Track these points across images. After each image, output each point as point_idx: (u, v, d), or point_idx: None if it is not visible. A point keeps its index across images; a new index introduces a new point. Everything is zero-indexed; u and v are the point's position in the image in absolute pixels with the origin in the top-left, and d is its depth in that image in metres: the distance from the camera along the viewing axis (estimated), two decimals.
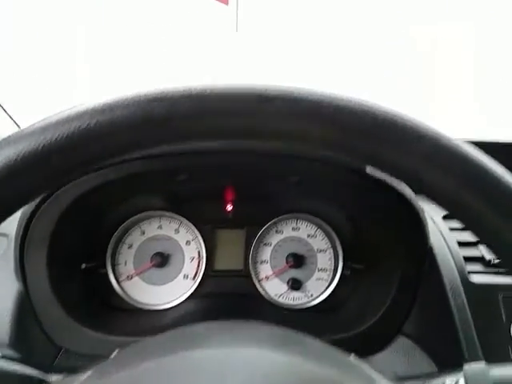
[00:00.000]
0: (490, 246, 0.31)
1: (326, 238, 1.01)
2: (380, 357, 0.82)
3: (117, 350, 0.42)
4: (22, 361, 0.69)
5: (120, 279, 0.95)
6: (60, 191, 0.70)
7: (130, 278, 0.95)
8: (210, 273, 0.98)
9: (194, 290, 0.96)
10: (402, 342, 0.81)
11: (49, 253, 0.73)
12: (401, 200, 0.72)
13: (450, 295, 0.72)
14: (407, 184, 0.35)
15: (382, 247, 0.82)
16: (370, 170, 0.69)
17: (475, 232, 0.31)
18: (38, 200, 0.70)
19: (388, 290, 0.81)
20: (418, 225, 0.75)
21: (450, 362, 0.71)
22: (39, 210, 0.71)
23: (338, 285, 0.97)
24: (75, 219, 0.76)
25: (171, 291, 0.96)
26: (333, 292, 0.97)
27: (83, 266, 0.83)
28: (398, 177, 0.31)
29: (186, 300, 0.95)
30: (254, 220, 0.99)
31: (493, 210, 0.28)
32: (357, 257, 0.93)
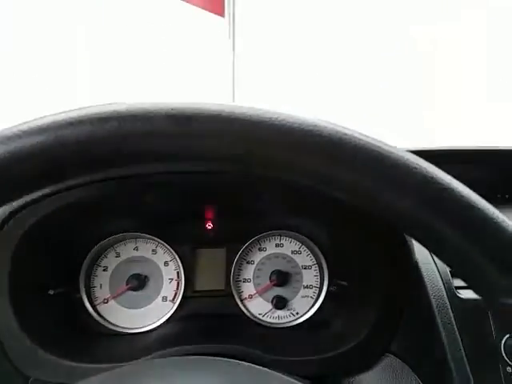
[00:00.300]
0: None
1: (310, 255, 0.97)
2: (367, 376, 0.78)
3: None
4: None
5: (95, 303, 0.90)
6: (21, 213, 0.66)
7: (105, 301, 0.91)
8: (190, 294, 0.94)
9: (174, 312, 0.91)
10: (389, 361, 0.78)
11: (11, 279, 0.68)
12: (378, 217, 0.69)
13: (436, 312, 0.69)
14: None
15: (365, 264, 0.79)
16: None
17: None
18: None
19: (373, 308, 0.77)
20: (401, 240, 0.72)
21: (439, 382, 0.67)
22: None
23: (323, 302, 0.94)
24: (40, 241, 0.72)
25: (149, 314, 0.91)
26: (319, 309, 0.93)
27: (51, 292, 0.78)
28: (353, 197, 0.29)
29: (165, 323, 0.91)
30: (235, 238, 0.95)
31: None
32: (342, 273, 0.90)
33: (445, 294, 0.71)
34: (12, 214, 0.66)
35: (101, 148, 0.24)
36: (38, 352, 0.71)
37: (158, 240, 0.92)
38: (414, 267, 0.75)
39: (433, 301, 0.70)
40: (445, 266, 0.75)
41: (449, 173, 0.28)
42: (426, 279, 0.73)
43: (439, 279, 0.72)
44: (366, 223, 0.74)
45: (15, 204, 0.65)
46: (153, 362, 0.43)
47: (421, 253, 0.77)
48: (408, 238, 0.73)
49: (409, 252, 0.73)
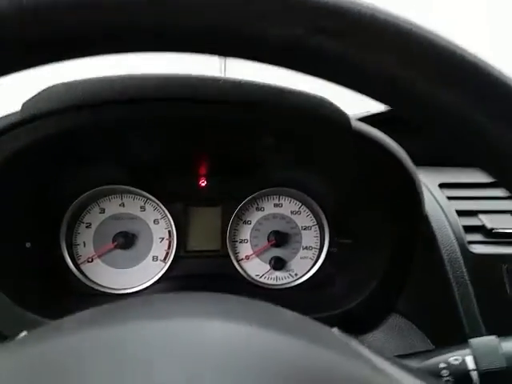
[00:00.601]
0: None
1: (310, 215, 0.92)
2: (372, 336, 0.75)
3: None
4: None
5: (78, 262, 0.83)
6: None
7: (90, 260, 0.83)
8: (183, 254, 0.88)
9: (165, 272, 0.85)
10: (395, 321, 0.74)
11: None
12: (393, 164, 0.63)
13: (448, 267, 0.65)
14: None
15: (372, 218, 0.74)
16: (356, 125, 0.59)
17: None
18: None
19: (379, 265, 0.73)
20: (412, 192, 0.66)
21: (450, 339, 0.64)
22: None
23: (323, 263, 0.89)
24: (10, 184, 0.63)
25: (139, 274, 0.85)
26: (318, 270, 0.89)
27: (28, 244, 0.70)
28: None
29: (155, 283, 0.84)
30: (231, 196, 0.89)
31: None
32: (344, 232, 0.85)
33: (457, 248, 0.67)
34: None
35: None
36: (16, 309, 0.64)
37: (147, 195, 0.84)
38: (423, 222, 0.70)
39: (444, 256, 0.66)
40: (457, 219, 0.71)
41: None
42: (436, 234, 0.68)
43: (451, 233, 0.68)
44: (375, 178, 0.68)
45: None
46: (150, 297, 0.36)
47: (431, 206, 0.72)
48: (419, 190, 0.67)
49: (418, 204, 0.68)
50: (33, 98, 0.53)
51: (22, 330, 0.63)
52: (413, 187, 0.65)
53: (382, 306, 0.75)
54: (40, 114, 0.52)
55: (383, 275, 0.72)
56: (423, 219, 0.70)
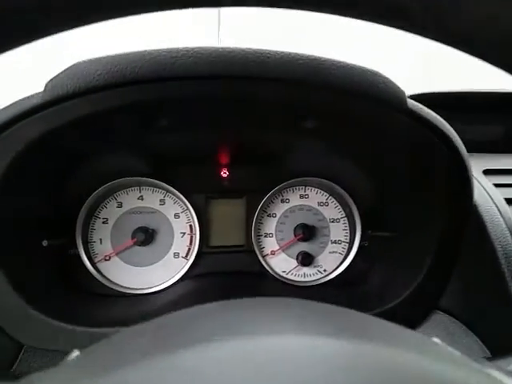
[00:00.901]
0: None
1: (339, 206, 0.86)
2: None
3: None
4: None
5: (95, 260, 0.77)
6: (10, 131, 0.50)
7: (107, 258, 0.78)
8: (206, 250, 0.82)
9: (187, 270, 0.80)
10: (438, 319, 0.69)
11: None
12: (447, 148, 0.57)
13: (503, 262, 0.59)
14: None
15: (415, 208, 0.68)
16: (411, 105, 0.54)
17: None
18: None
19: (422, 260, 0.67)
20: (463, 178, 0.60)
21: (504, 343, 0.59)
22: None
23: (355, 257, 0.83)
24: (26, 177, 0.57)
25: (159, 272, 0.79)
26: (350, 265, 0.83)
27: (45, 243, 0.65)
28: None
29: (177, 282, 0.79)
30: (255, 187, 0.83)
31: None
32: (380, 224, 0.79)
33: (510, 240, 0.61)
34: None
35: None
36: (34, 314, 0.58)
37: (168, 187, 0.78)
38: (472, 211, 0.64)
39: (498, 249, 0.61)
40: (508, 209, 0.65)
41: None
42: (487, 225, 0.63)
43: (503, 224, 0.63)
44: (424, 163, 0.62)
45: None
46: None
47: (479, 195, 0.66)
48: (470, 177, 0.61)
49: (469, 194, 0.62)
50: (57, 76, 0.47)
51: (35, 335, 0.58)
52: (465, 174, 0.59)
53: (425, 304, 0.69)
54: (67, 94, 0.46)
55: (427, 271, 0.67)
56: (472, 208, 0.64)
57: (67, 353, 0.60)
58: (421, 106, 0.54)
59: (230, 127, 0.67)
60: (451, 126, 0.61)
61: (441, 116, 0.59)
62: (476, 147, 0.79)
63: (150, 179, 0.77)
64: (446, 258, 0.66)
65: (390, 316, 0.68)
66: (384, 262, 0.78)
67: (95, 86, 0.46)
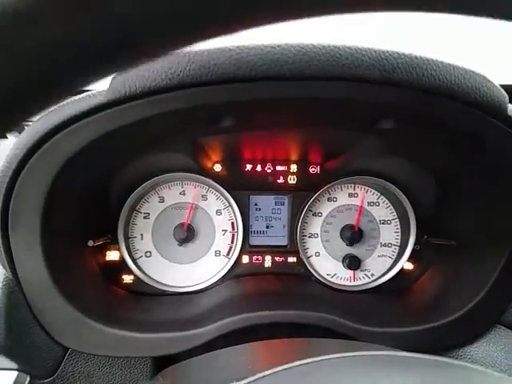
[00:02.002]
0: None
1: (391, 207, 0.79)
2: (470, 349, 0.63)
3: None
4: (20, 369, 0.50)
5: (135, 256, 0.74)
6: (51, 142, 0.46)
7: (148, 255, 0.75)
8: (248, 249, 0.77)
9: (229, 270, 0.76)
10: (500, 334, 0.62)
11: (43, 225, 0.51)
12: None
13: None
14: None
15: (488, 219, 0.61)
16: (511, 111, 0.46)
17: None
18: (20, 155, 0.47)
19: (488, 273, 0.60)
20: None
21: None
22: (24, 169, 0.48)
23: (407, 263, 0.77)
24: (76, 180, 0.54)
25: (200, 271, 0.76)
26: (400, 272, 0.77)
27: (91, 243, 0.62)
28: None
29: (219, 281, 0.75)
30: (302, 185, 0.77)
31: None
32: (437, 230, 0.72)
33: None
34: (50, 135, 0.46)
35: None
36: (78, 317, 0.56)
37: (210, 182, 0.73)
38: None
39: None
40: None
41: None
42: None
43: None
44: (499, 164, 0.54)
45: (52, 122, 0.45)
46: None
47: None
48: None
49: None
50: (123, 72, 0.42)
51: (77, 338, 0.56)
52: None
53: (486, 319, 0.62)
54: (135, 94, 0.41)
55: (491, 286, 0.60)
56: None
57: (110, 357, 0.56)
58: None
59: (299, 127, 0.60)
60: None
61: None
62: None
63: (192, 174, 0.73)
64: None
65: (446, 329, 0.62)
66: (441, 271, 0.71)
67: (167, 85, 0.40)
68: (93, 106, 0.43)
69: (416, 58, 0.42)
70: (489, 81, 0.45)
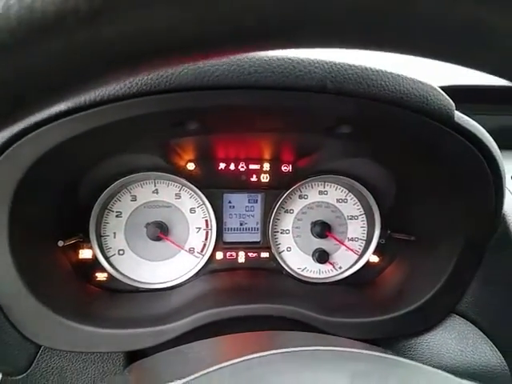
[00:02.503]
0: None
1: (358, 203, 0.83)
2: (429, 338, 0.69)
3: None
4: None
5: (108, 254, 0.74)
6: (22, 141, 0.45)
7: (121, 252, 0.74)
8: (221, 245, 0.79)
9: (203, 266, 0.77)
10: (454, 322, 0.68)
11: (10, 225, 0.50)
12: (485, 159, 0.54)
13: None
14: None
15: (441, 214, 0.65)
16: (458, 118, 0.50)
17: None
18: None
19: (444, 266, 0.65)
20: (496, 189, 0.57)
21: None
22: None
23: (372, 256, 0.81)
24: (42, 182, 0.53)
25: (174, 267, 0.76)
26: (366, 264, 0.81)
27: (61, 243, 0.61)
28: None
29: (193, 277, 0.76)
30: (274, 183, 0.79)
31: None
32: (399, 225, 0.77)
33: None
34: (12, 141, 0.45)
35: None
36: (48, 314, 0.55)
37: (183, 181, 0.74)
38: (500, 220, 0.61)
39: None
40: None
41: None
42: None
43: None
44: (455, 163, 0.58)
45: (15, 129, 0.45)
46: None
47: (507, 202, 0.63)
48: (503, 187, 0.58)
49: (500, 201, 0.59)
50: None
51: (51, 337, 0.56)
52: (499, 186, 0.56)
53: (443, 309, 0.68)
54: (94, 101, 0.42)
55: (448, 278, 0.65)
56: (501, 219, 0.61)
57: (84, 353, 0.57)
58: (467, 118, 0.50)
59: (261, 132, 0.62)
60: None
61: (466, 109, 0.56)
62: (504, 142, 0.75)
63: (165, 173, 0.72)
64: (468, 265, 0.64)
65: (406, 319, 0.66)
66: (403, 264, 0.76)
67: (125, 93, 0.40)
68: (53, 113, 0.43)
69: (366, 69, 0.45)
70: (435, 89, 0.48)
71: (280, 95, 0.46)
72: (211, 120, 0.54)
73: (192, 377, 0.34)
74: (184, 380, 0.34)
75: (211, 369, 0.34)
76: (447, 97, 0.49)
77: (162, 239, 0.75)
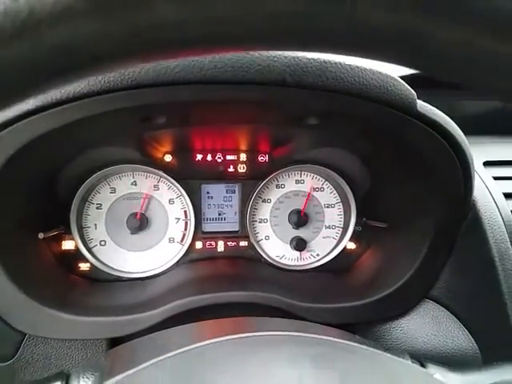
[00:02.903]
0: None
1: (334, 192, 0.83)
2: (403, 322, 0.70)
3: None
4: None
5: (90, 245, 0.76)
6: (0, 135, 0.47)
7: (102, 243, 0.77)
8: (200, 235, 0.81)
9: (183, 256, 0.79)
10: (428, 307, 0.69)
11: None
12: (451, 147, 0.54)
13: (496, 259, 0.58)
14: None
15: (412, 200, 0.66)
16: (421, 107, 0.50)
17: None
18: None
19: (417, 252, 0.65)
20: (464, 177, 0.57)
21: (491, 336, 0.58)
22: None
23: (349, 243, 0.82)
24: (24, 173, 0.55)
25: (155, 257, 0.78)
26: (343, 251, 0.82)
27: (41, 235, 0.63)
28: None
29: (173, 266, 0.78)
30: (250, 173, 0.80)
31: None
32: (374, 213, 0.77)
33: (508, 238, 0.59)
34: None
35: None
36: (30, 303, 0.58)
37: (161, 174, 0.75)
38: (470, 205, 0.62)
39: (492, 246, 0.59)
40: (505, 204, 0.62)
41: None
42: (484, 221, 0.60)
43: (500, 221, 0.60)
44: (422, 152, 0.58)
45: None
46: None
47: (478, 188, 0.63)
48: (472, 174, 0.58)
49: (469, 187, 0.59)
50: None
51: (35, 325, 0.59)
52: (467, 170, 0.56)
53: (416, 293, 0.68)
54: (60, 99, 0.43)
55: (421, 263, 0.65)
56: (470, 205, 0.61)
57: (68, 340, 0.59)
58: (430, 107, 0.50)
59: (230, 124, 0.63)
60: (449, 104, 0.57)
61: (436, 94, 0.55)
62: (474, 127, 0.74)
63: (143, 166, 0.74)
64: (440, 251, 0.64)
65: (381, 304, 0.68)
66: (378, 250, 0.76)
67: (90, 90, 0.42)
68: (21, 112, 0.44)
69: (325, 62, 0.45)
70: (395, 79, 0.48)
71: (240, 89, 0.47)
72: (176, 114, 0.55)
73: (140, 366, 0.35)
74: (131, 371, 0.35)
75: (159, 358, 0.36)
76: (408, 86, 0.49)
77: (142, 230, 0.77)
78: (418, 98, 0.52)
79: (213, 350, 0.38)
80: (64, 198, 0.71)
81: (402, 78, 0.51)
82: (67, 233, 0.73)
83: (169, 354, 0.37)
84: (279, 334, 0.38)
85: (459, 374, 0.41)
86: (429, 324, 0.68)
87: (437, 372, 0.42)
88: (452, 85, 0.83)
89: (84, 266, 0.75)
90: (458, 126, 0.56)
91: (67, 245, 0.73)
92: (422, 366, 0.49)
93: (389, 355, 0.36)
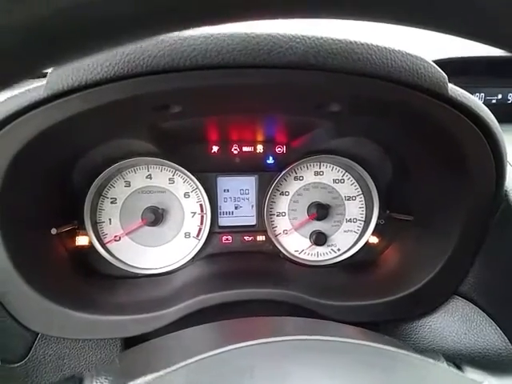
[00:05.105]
0: None
1: (355, 183, 0.78)
2: (429, 320, 0.64)
3: None
4: None
5: (105, 240, 0.72)
6: (11, 126, 0.43)
7: (117, 238, 0.72)
8: (217, 230, 0.76)
9: (199, 251, 0.74)
10: (457, 304, 0.63)
11: (1, 213, 0.48)
12: (483, 134, 0.49)
13: None
14: None
15: (441, 191, 0.60)
16: (452, 91, 0.45)
17: None
18: None
19: (445, 245, 0.60)
20: (497, 166, 0.52)
21: None
22: None
23: (371, 237, 0.77)
24: (32, 169, 0.51)
25: (171, 252, 0.74)
26: (365, 246, 0.77)
27: (54, 231, 0.59)
28: None
29: (189, 262, 0.74)
30: (268, 165, 0.74)
31: None
32: (398, 205, 0.71)
33: None
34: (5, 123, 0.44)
35: None
36: (42, 302, 0.54)
37: (176, 166, 0.71)
38: (503, 197, 0.56)
39: None
40: None
41: None
42: None
43: None
44: (452, 142, 0.52)
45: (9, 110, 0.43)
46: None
47: (510, 181, 0.57)
48: (505, 164, 0.52)
49: (501, 180, 0.54)
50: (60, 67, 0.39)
51: (48, 324, 0.55)
52: (500, 163, 0.51)
53: (445, 290, 0.63)
54: (72, 87, 0.40)
55: (449, 258, 0.59)
56: (502, 196, 0.55)
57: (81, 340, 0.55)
58: (462, 91, 0.44)
59: (248, 113, 0.58)
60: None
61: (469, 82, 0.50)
62: (506, 115, 0.67)
63: (158, 159, 0.69)
64: (469, 245, 0.59)
65: (407, 301, 0.62)
66: (403, 245, 0.71)
67: (103, 78, 0.38)
68: (32, 101, 0.41)
69: (351, 43, 0.40)
70: (426, 62, 0.43)
71: (261, 73, 0.42)
72: (194, 102, 0.51)
73: (162, 372, 0.31)
74: (157, 374, 0.31)
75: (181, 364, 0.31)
76: (439, 69, 0.44)
77: (158, 225, 0.73)
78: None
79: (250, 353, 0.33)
80: (78, 192, 0.67)
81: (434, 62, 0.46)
82: (81, 228, 0.69)
83: (201, 356, 0.32)
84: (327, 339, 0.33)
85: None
86: (458, 322, 0.63)
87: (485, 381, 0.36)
88: (483, 71, 0.77)
89: (98, 263, 0.71)
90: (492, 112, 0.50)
91: (81, 240, 0.69)
92: (459, 368, 0.44)
93: (440, 364, 0.31)
